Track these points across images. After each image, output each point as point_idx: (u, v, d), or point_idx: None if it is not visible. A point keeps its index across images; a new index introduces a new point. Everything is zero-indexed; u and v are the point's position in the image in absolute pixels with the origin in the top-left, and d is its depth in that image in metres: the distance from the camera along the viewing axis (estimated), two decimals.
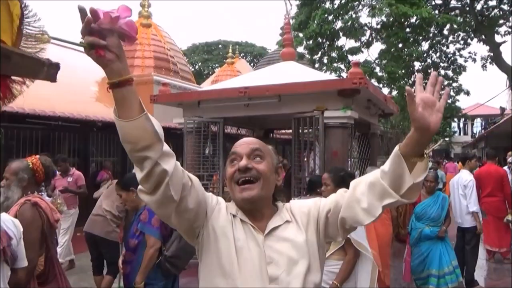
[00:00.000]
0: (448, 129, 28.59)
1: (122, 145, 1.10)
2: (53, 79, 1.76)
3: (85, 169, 9.53)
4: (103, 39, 1.00)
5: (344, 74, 14.15)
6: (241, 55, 30.05)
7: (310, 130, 5.45)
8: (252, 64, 29.54)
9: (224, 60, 20.49)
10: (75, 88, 9.80)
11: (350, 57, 15.47)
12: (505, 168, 7.11)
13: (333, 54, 15.66)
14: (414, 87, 1.13)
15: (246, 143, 1.35)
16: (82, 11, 0.98)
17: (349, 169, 5.85)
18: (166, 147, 1.13)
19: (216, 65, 35.11)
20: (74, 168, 6.11)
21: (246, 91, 5.48)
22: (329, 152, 5.35)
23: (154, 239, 2.83)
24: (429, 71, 18.85)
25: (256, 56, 35.60)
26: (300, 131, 5.59)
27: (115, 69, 1.03)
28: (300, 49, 15.29)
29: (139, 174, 1.12)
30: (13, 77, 1.62)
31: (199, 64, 37.13)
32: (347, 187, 1.30)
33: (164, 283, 2.94)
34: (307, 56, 15.99)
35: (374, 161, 7.23)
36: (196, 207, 1.23)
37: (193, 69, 23.45)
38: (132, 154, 1.10)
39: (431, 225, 4.56)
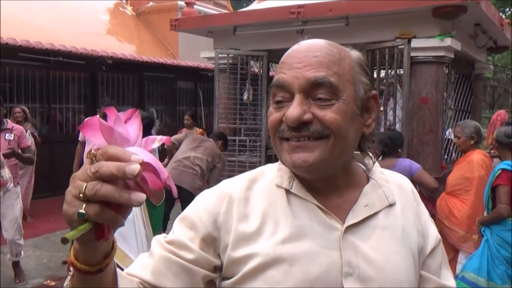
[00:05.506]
0: None
1: None
2: None
3: None
4: (117, 209, 0.68)
5: None
6: None
7: (390, 67, 5.12)
8: None
9: None
10: (80, 17, 9.70)
11: None
12: None
13: None
14: None
15: (301, 64, 0.92)
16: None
17: (444, 124, 5.43)
18: None
19: None
20: (9, 120, 5.14)
21: (301, 11, 5.15)
22: (416, 99, 5.01)
23: None
24: None
25: None
26: (376, 68, 5.26)
27: (103, 248, 0.75)
28: None
29: None
30: None
31: None
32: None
33: None
34: None
35: (476, 115, 6.88)
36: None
37: None
38: None
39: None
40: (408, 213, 1.03)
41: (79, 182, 0.65)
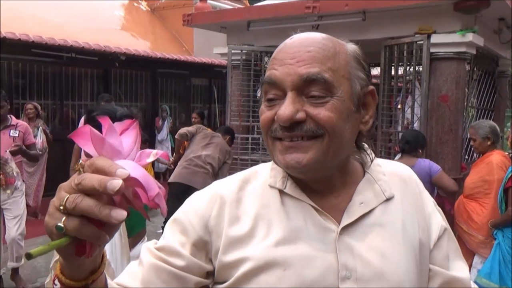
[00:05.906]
0: None
1: None
2: None
3: None
4: (101, 225, 0.64)
5: None
6: None
7: (409, 63, 5.12)
8: None
9: None
10: (94, 13, 9.77)
11: None
12: None
13: None
14: None
15: (294, 60, 0.88)
16: None
17: (464, 123, 5.35)
18: None
19: None
20: (13, 116, 5.01)
21: (316, 6, 5.13)
22: (436, 97, 4.94)
23: None
24: None
25: None
26: (394, 65, 5.21)
27: (89, 264, 0.72)
28: None
29: None
30: None
31: None
32: None
33: None
34: None
35: (500, 114, 6.77)
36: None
37: None
38: None
39: None
40: (408, 205, 0.99)
41: (63, 193, 0.63)
